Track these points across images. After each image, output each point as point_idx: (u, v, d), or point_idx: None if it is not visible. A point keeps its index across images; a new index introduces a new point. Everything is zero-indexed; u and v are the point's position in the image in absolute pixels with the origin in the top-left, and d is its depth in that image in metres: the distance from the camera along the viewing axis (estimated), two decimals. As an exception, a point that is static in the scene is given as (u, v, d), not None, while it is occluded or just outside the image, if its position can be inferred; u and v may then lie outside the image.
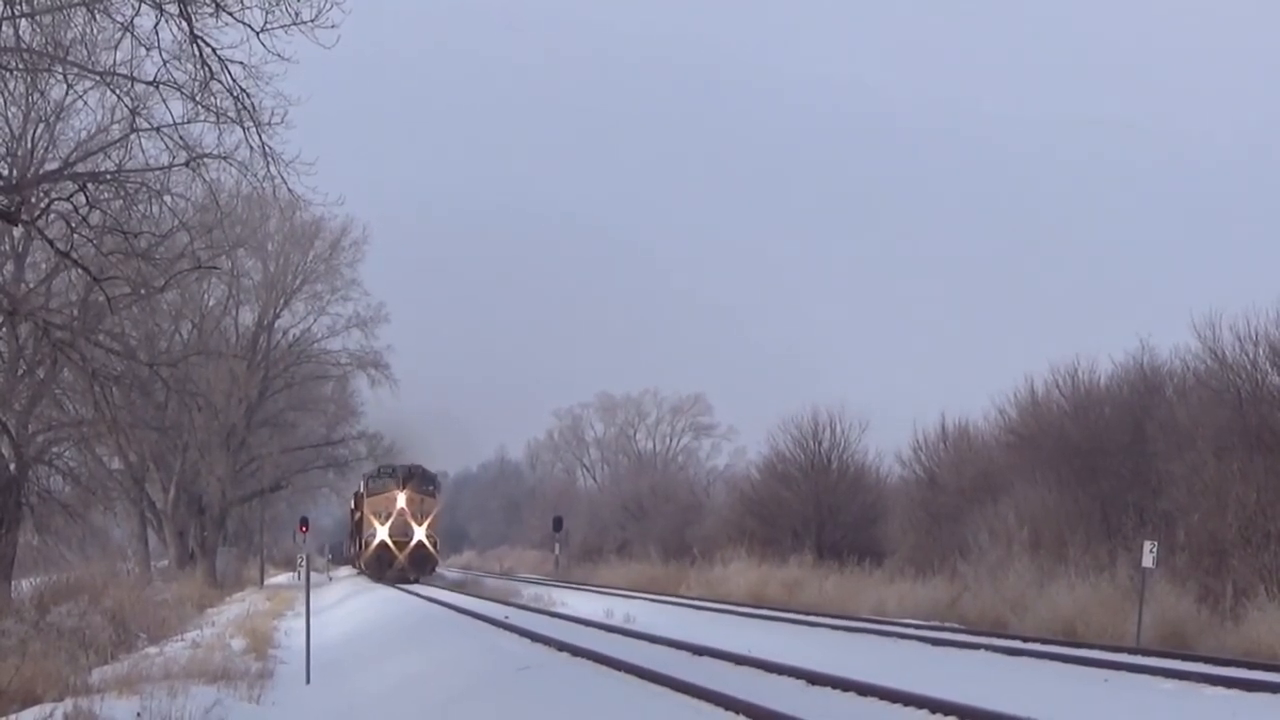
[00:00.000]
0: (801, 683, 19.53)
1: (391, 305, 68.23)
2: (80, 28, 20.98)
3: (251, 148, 19.94)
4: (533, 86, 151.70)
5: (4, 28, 19.98)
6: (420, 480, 69.62)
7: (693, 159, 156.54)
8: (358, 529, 76.09)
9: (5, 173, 27.90)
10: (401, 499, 68.00)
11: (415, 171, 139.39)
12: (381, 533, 67.85)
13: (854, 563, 45.77)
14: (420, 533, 67.96)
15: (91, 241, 23.19)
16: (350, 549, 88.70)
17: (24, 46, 20.64)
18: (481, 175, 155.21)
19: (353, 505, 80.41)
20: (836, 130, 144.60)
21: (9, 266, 34.15)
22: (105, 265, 24.35)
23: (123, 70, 20.86)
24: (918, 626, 31.63)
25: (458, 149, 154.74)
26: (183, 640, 31.03)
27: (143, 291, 30.28)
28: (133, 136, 22.72)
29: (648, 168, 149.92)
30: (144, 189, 23.22)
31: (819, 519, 52.86)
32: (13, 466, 31.85)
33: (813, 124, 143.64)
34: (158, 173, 23.40)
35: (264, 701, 20.46)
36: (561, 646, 24.69)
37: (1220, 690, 18.37)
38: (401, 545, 67.69)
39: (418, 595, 46.06)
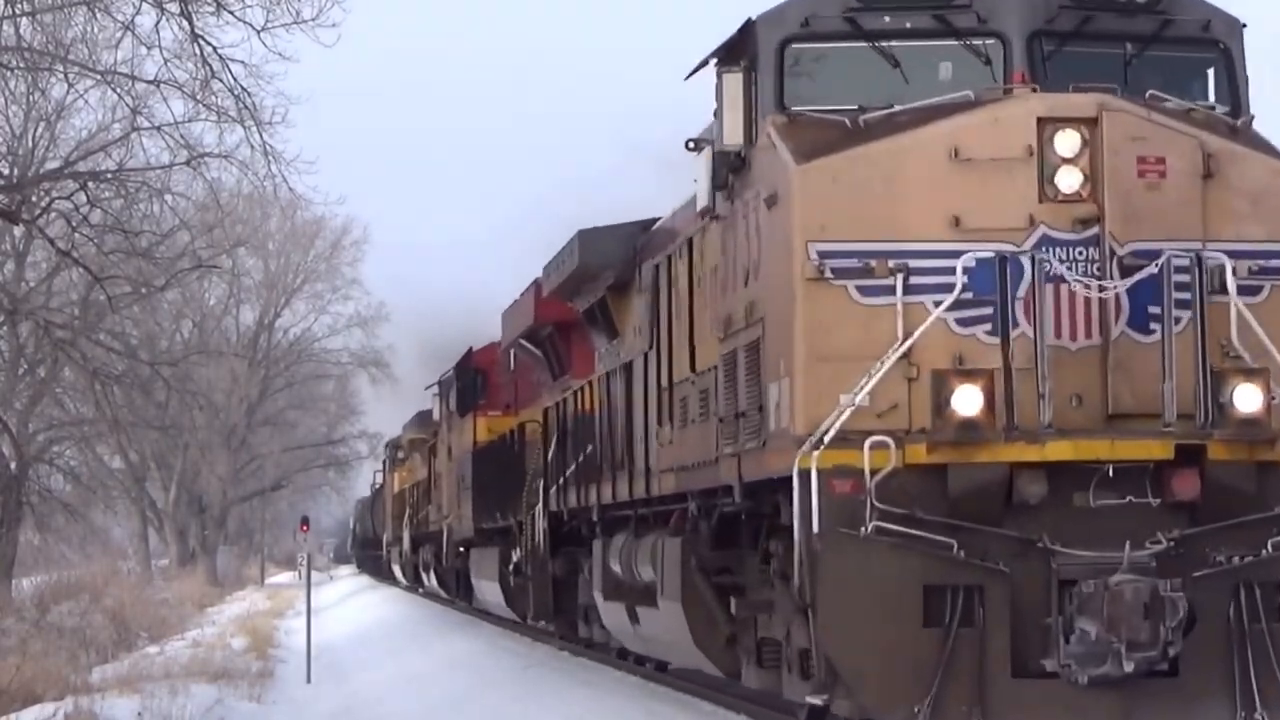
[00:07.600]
0: (805, 682, 19.44)
1: (390, 302, 67.87)
2: (81, 27, 21.12)
3: (252, 147, 19.91)
4: (533, 81, 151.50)
5: (5, 26, 19.98)
6: None
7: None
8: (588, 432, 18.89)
9: (6, 172, 27.84)
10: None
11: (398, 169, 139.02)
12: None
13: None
14: None
15: (92, 240, 23.20)
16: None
17: (25, 45, 20.65)
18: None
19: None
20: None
21: (9, 266, 34.11)
22: (106, 264, 24.35)
23: (123, 69, 20.93)
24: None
25: (449, 142, 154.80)
26: (183, 639, 31.03)
27: (143, 290, 30.25)
28: (133, 135, 22.77)
29: (649, 165, 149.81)
30: (145, 188, 23.20)
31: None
32: (13, 465, 31.88)
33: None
34: (158, 172, 23.39)
35: (265, 701, 20.46)
36: (566, 645, 24.62)
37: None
38: None
39: (418, 593, 45.92)
